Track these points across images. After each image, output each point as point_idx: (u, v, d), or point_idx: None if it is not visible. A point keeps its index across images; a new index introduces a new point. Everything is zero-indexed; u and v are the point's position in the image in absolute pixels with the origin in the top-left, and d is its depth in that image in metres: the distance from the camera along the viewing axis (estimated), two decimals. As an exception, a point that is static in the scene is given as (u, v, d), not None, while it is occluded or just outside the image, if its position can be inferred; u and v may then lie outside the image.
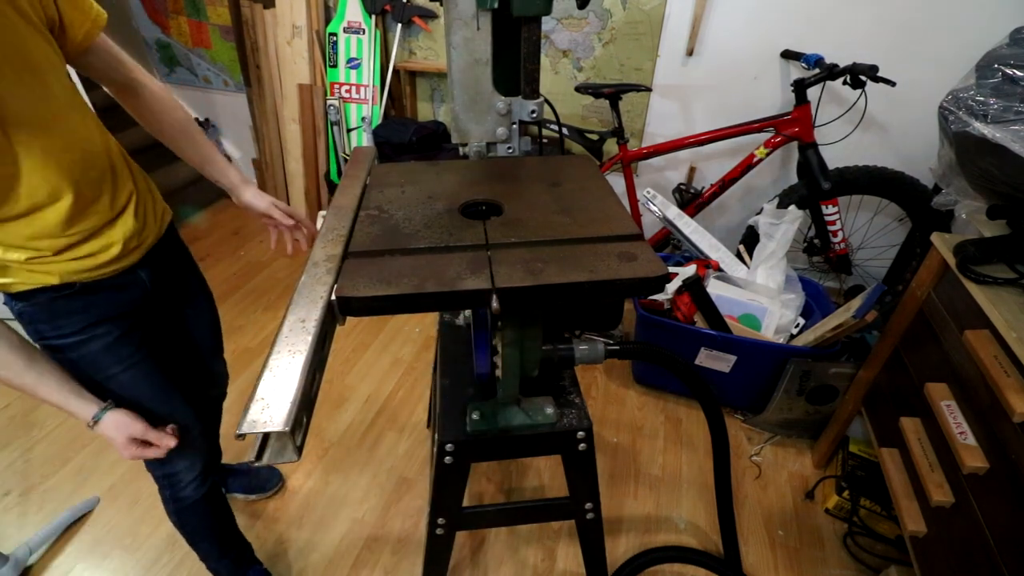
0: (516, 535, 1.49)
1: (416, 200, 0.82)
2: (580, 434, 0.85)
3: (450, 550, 1.00)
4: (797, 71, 1.97)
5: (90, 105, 0.87)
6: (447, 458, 0.84)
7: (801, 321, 1.80)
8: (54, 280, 0.84)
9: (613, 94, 1.98)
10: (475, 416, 0.84)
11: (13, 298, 0.86)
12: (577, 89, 2.06)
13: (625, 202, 1.93)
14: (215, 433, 1.38)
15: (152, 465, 1.06)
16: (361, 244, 0.70)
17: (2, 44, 0.71)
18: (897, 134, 2.01)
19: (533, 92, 0.78)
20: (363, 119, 2.52)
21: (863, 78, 1.69)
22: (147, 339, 0.98)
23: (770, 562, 1.45)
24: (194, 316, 1.16)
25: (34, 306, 0.86)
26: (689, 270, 1.81)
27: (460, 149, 0.84)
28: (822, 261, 2.10)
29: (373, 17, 2.37)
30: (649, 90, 2.12)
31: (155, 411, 0.98)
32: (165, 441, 0.93)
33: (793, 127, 1.87)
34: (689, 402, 1.93)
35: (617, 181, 2.13)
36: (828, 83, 1.81)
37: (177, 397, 1.04)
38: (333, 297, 0.60)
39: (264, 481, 1.56)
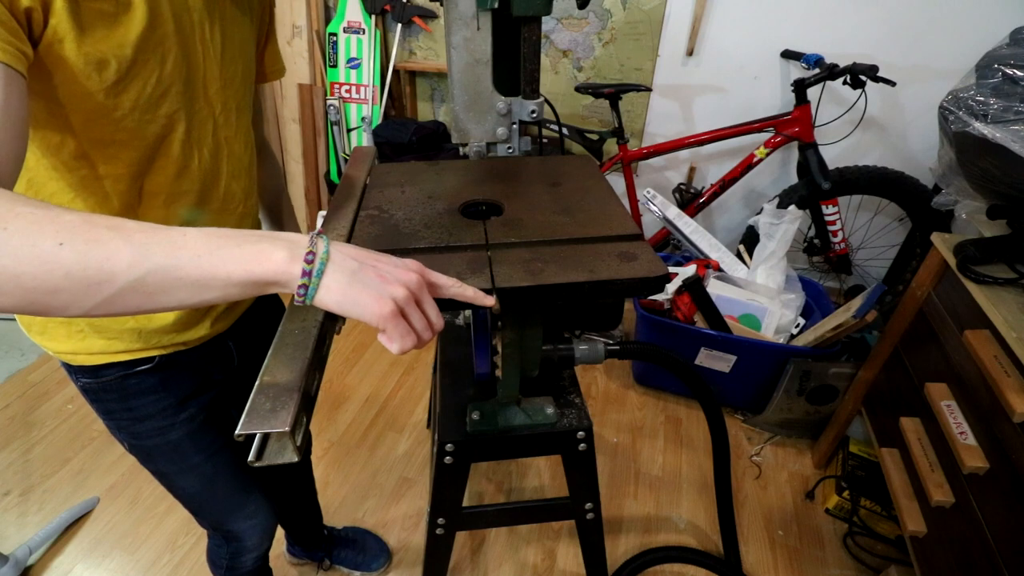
0: (516, 535, 1.48)
1: (416, 200, 0.82)
2: (580, 434, 0.85)
3: (450, 550, 0.99)
4: (797, 71, 1.97)
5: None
6: (447, 458, 0.84)
7: (801, 321, 1.80)
8: (125, 353, 0.68)
9: (613, 94, 1.98)
10: (475, 416, 0.84)
11: (75, 371, 0.70)
12: (577, 89, 2.06)
13: (625, 202, 1.93)
14: (312, 502, 1.31)
15: (213, 523, 0.95)
16: (361, 244, 0.70)
17: (243, 55, 0.69)
18: (897, 134, 2.01)
19: (533, 92, 0.78)
20: (363, 119, 2.52)
21: (863, 78, 1.69)
22: (227, 419, 0.83)
23: (770, 562, 1.45)
24: None
25: (101, 382, 0.70)
26: (689, 270, 1.81)
27: (460, 149, 0.84)
28: (822, 261, 2.10)
29: (373, 17, 2.37)
30: (649, 90, 2.12)
31: (233, 503, 0.90)
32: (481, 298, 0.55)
33: (793, 127, 1.87)
34: (689, 402, 1.93)
35: (617, 181, 2.13)
36: (828, 83, 1.81)
37: (255, 484, 0.92)
38: (333, 297, 0.60)
39: (372, 558, 1.41)
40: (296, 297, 0.43)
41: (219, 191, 0.71)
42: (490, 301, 0.56)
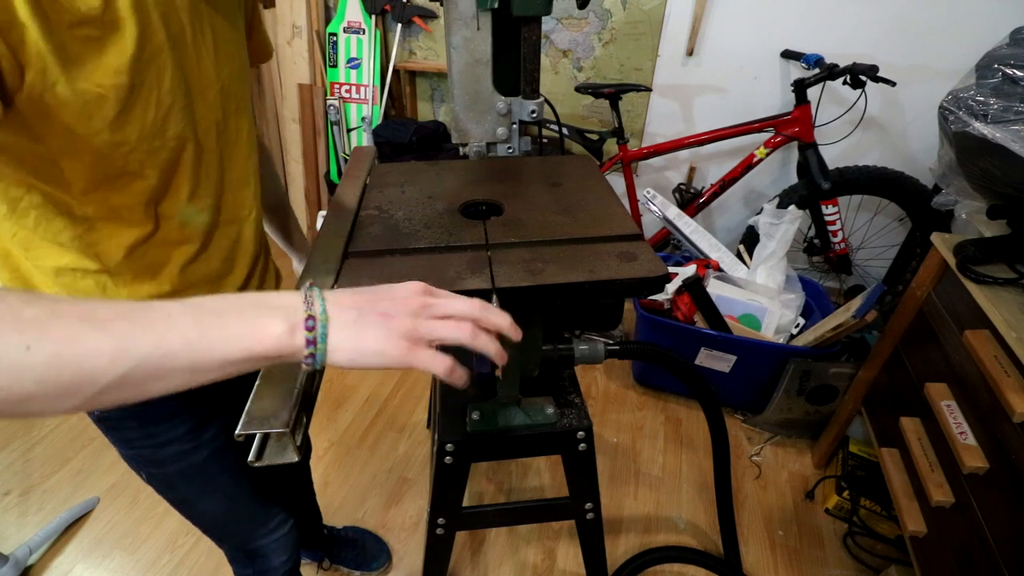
0: (516, 535, 1.48)
1: (416, 200, 0.82)
2: (580, 434, 0.85)
3: (450, 550, 0.99)
4: (797, 71, 1.97)
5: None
6: (447, 458, 0.84)
7: (801, 321, 1.80)
8: None
9: (613, 94, 1.98)
10: (475, 416, 0.84)
11: None
12: (577, 89, 2.06)
13: (625, 202, 1.93)
14: (311, 503, 1.29)
15: (237, 544, 0.92)
16: (361, 244, 0.70)
17: (237, 50, 0.66)
18: (897, 134, 2.01)
19: (533, 92, 0.78)
20: (363, 119, 2.52)
21: (863, 78, 1.69)
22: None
23: (770, 562, 1.45)
24: None
25: (120, 410, 0.66)
26: (689, 270, 1.81)
27: (460, 149, 0.84)
28: (822, 261, 2.10)
29: (373, 17, 2.37)
30: (649, 90, 2.12)
31: (257, 519, 0.88)
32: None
33: (793, 127, 1.87)
34: (689, 402, 1.93)
35: (617, 181, 2.13)
36: (828, 83, 1.81)
37: (275, 496, 0.90)
38: (333, 297, 0.60)
39: (372, 558, 1.41)
40: (304, 365, 0.40)
41: (228, 200, 0.69)
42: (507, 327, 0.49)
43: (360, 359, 0.41)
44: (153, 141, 0.56)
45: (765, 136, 1.93)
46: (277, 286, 0.83)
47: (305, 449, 1.20)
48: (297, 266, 1.02)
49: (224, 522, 0.88)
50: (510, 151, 0.83)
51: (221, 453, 0.76)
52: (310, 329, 0.39)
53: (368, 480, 1.62)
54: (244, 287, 0.73)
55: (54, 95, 0.47)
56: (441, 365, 0.44)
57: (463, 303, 0.46)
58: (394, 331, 0.42)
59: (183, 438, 0.72)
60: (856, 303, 1.54)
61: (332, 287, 0.61)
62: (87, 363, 0.33)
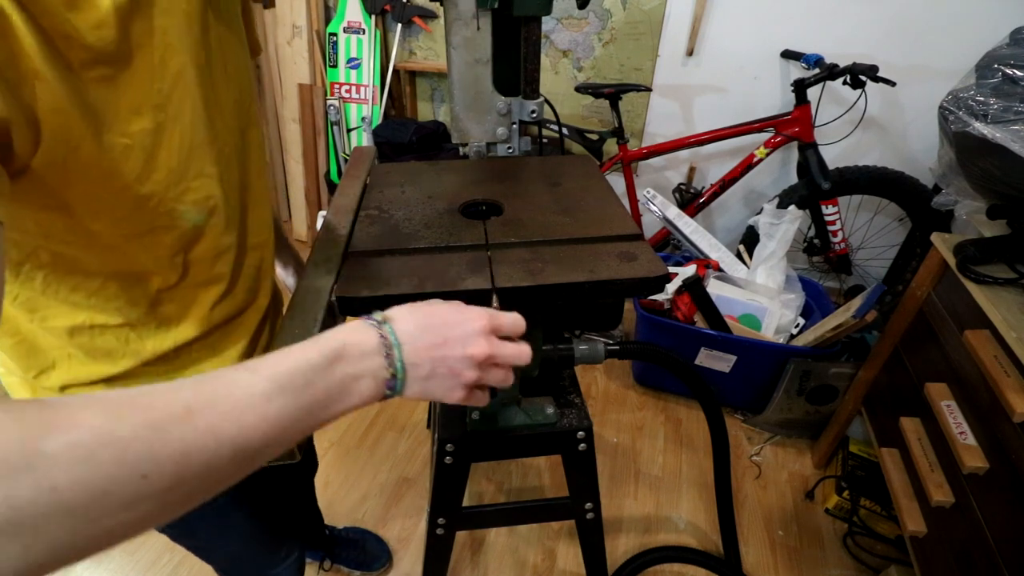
0: (516, 535, 1.48)
1: (416, 200, 0.82)
2: (580, 434, 0.85)
3: (450, 550, 0.99)
4: (797, 71, 1.97)
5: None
6: (447, 458, 0.84)
7: (801, 321, 1.80)
8: None
9: (613, 94, 1.98)
10: (475, 416, 0.84)
11: None
12: (577, 89, 2.06)
13: (625, 202, 1.93)
14: (313, 506, 1.27)
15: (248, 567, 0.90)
16: (361, 244, 0.70)
17: (245, 57, 0.61)
18: (897, 134, 2.01)
19: (533, 92, 0.78)
20: (363, 119, 2.52)
21: (863, 78, 1.69)
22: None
23: (770, 562, 1.45)
24: None
25: None
26: (689, 270, 1.81)
27: (460, 149, 0.84)
28: (822, 261, 2.10)
29: (373, 17, 2.37)
30: (649, 90, 2.12)
31: (271, 550, 0.88)
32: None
33: (793, 127, 1.87)
34: (689, 402, 1.93)
35: (617, 181, 2.12)
36: (828, 83, 1.81)
37: (288, 530, 0.90)
38: (333, 297, 0.60)
39: (373, 559, 1.41)
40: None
41: (252, 223, 0.64)
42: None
43: (425, 397, 0.46)
44: (179, 184, 0.51)
45: (765, 136, 1.93)
46: (282, 304, 0.78)
47: (311, 464, 1.17)
48: (283, 276, 0.94)
49: (242, 558, 0.88)
50: (510, 151, 0.83)
51: (238, 490, 0.76)
52: (391, 388, 0.43)
53: (368, 480, 1.62)
54: (264, 317, 0.70)
55: (77, 158, 0.41)
56: (483, 401, 0.49)
57: (513, 349, 0.48)
58: (458, 385, 0.46)
59: None
60: (856, 303, 1.54)
61: (332, 287, 0.61)
62: (207, 475, 0.33)
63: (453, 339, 0.45)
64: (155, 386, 0.34)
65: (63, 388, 0.56)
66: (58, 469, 0.27)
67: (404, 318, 0.45)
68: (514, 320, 0.49)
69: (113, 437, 0.29)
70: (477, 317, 0.47)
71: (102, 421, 0.30)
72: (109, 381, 0.56)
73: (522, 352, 0.48)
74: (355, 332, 0.42)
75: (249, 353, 0.68)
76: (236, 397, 0.35)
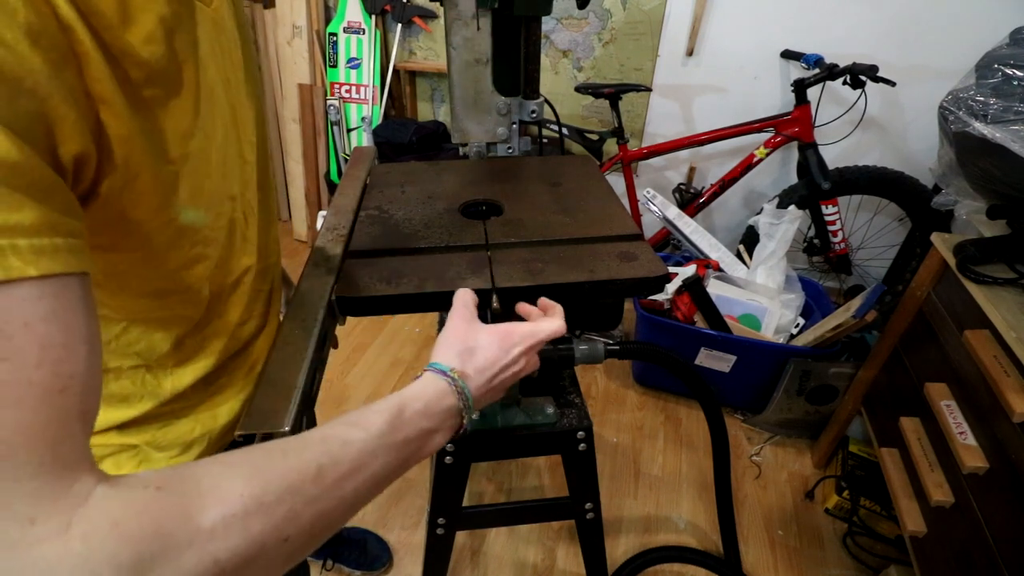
0: (516, 535, 1.48)
1: (416, 200, 0.82)
2: (580, 434, 0.85)
3: (450, 550, 0.99)
4: (797, 71, 1.97)
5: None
6: (447, 458, 0.84)
7: (801, 321, 1.80)
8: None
9: (613, 94, 1.98)
10: (475, 416, 0.84)
11: None
12: (577, 89, 2.06)
13: (625, 202, 1.93)
14: None
15: None
16: (361, 244, 0.70)
17: (255, 64, 0.56)
18: (897, 134, 2.01)
19: (533, 92, 0.78)
20: (363, 119, 2.52)
21: (863, 78, 1.69)
22: None
23: (770, 562, 1.45)
24: None
25: None
26: (689, 270, 1.81)
27: (460, 149, 0.84)
28: (822, 261, 2.10)
29: (373, 17, 2.37)
30: (649, 90, 2.12)
31: None
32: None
33: (793, 127, 1.87)
34: (689, 402, 1.93)
35: (617, 181, 2.12)
36: (828, 83, 1.81)
37: None
38: (333, 297, 0.60)
39: (373, 559, 1.41)
40: None
41: (264, 242, 0.60)
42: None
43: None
44: (217, 209, 0.49)
45: (765, 136, 1.93)
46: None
47: None
48: None
49: None
50: (510, 151, 0.83)
51: None
52: (462, 429, 0.50)
53: (368, 480, 1.62)
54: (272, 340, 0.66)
55: (133, 190, 0.38)
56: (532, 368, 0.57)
57: (551, 333, 0.56)
58: (502, 393, 0.55)
59: None
60: (856, 303, 1.54)
61: (332, 286, 0.61)
62: (328, 531, 0.36)
63: (505, 367, 0.53)
64: (287, 444, 0.36)
65: None
66: (217, 542, 0.29)
67: (468, 368, 0.50)
68: (554, 330, 0.55)
69: (260, 504, 0.31)
70: (522, 342, 0.53)
71: (250, 489, 0.31)
72: (122, 428, 0.52)
73: (557, 329, 0.56)
74: (436, 388, 0.47)
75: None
76: (352, 456, 0.38)
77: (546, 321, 0.56)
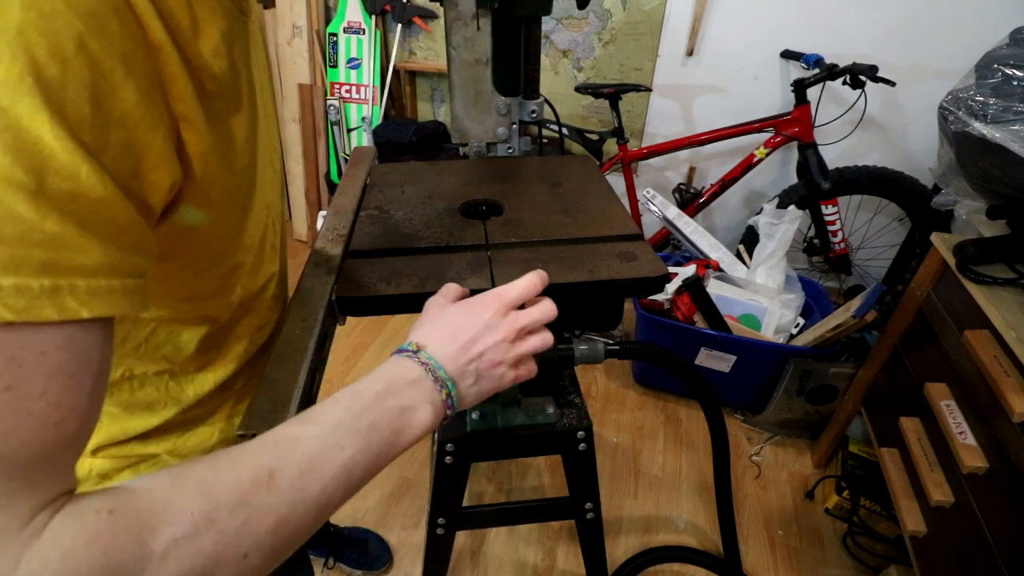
0: (516, 535, 1.48)
1: (416, 200, 0.82)
2: (580, 434, 0.85)
3: (450, 550, 0.99)
4: (797, 71, 1.97)
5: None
6: (447, 458, 0.84)
7: (801, 321, 1.80)
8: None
9: (613, 94, 1.98)
10: (475, 416, 0.84)
11: None
12: (577, 89, 2.06)
13: (625, 202, 1.93)
14: None
15: None
16: (361, 244, 0.70)
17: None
18: (897, 134, 2.01)
19: (533, 92, 0.78)
20: (363, 119, 2.52)
21: (863, 78, 1.69)
22: None
23: (770, 562, 1.45)
24: None
25: None
26: (689, 270, 1.81)
27: (460, 149, 0.84)
28: (822, 261, 2.10)
29: (373, 17, 2.37)
30: (649, 90, 2.12)
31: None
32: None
33: (793, 127, 1.87)
34: (689, 402, 1.93)
35: (617, 181, 2.12)
36: (828, 83, 1.81)
37: (302, 557, 0.87)
38: (333, 297, 0.60)
39: (374, 558, 1.42)
40: None
41: (270, 243, 0.59)
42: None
43: (481, 399, 0.49)
44: (247, 231, 0.48)
45: (765, 136, 1.93)
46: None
47: None
48: None
49: None
50: (510, 151, 0.83)
51: None
52: (449, 407, 0.46)
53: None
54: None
55: (203, 202, 0.38)
56: (534, 371, 0.51)
57: (539, 311, 0.50)
58: (505, 370, 0.49)
59: None
60: (856, 303, 1.54)
61: (332, 286, 0.61)
62: (298, 536, 0.35)
63: (479, 335, 0.47)
64: (239, 452, 0.34)
65: (95, 451, 0.51)
66: (171, 565, 0.28)
67: (430, 338, 0.47)
68: (523, 289, 0.50)
69: (211, 522, 0.30)
70: (489, 304, 0.48)
71: (199, 506, 0.30)
72: (144, 437, 0.52)
73: (546, 310, 0.50)
74: (396, 367, 0.44)
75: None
76: (310, 454, 0.36)
77: (515, 282, 0.50)
